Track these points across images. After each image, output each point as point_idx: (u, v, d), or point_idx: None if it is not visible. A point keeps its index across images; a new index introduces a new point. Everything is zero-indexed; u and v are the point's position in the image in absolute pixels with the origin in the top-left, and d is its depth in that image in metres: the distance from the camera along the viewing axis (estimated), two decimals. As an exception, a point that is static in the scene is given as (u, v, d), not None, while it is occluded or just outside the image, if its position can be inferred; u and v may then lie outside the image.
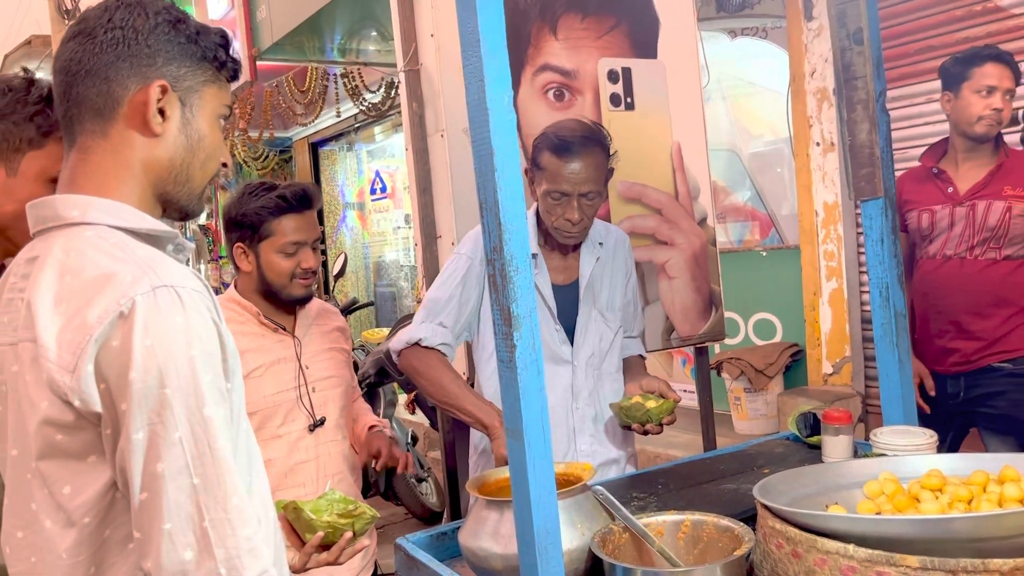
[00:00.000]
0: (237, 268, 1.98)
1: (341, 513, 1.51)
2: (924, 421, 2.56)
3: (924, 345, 2.66)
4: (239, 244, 1.94)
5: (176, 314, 0.91)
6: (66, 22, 9.86)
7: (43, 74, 1.36)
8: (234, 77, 1.12)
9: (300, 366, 1.98)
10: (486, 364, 2.03)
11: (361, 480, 2.11)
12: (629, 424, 1.90)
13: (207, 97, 1.07)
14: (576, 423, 2.02)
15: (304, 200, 1.92)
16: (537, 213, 1.99)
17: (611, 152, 1.92)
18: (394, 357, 2.00)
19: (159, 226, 1.03)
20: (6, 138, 1.29)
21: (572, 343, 2.01)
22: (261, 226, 1.90)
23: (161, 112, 1.02)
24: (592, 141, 1.87)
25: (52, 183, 1.31)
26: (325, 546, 1.51)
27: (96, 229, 0.98)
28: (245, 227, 1.92)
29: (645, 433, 1.90)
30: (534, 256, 1.96)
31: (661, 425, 1.88)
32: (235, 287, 2.02)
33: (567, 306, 2.01)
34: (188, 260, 1.10)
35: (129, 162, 1.02)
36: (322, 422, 1.98)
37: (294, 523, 1.50)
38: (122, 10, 1.02)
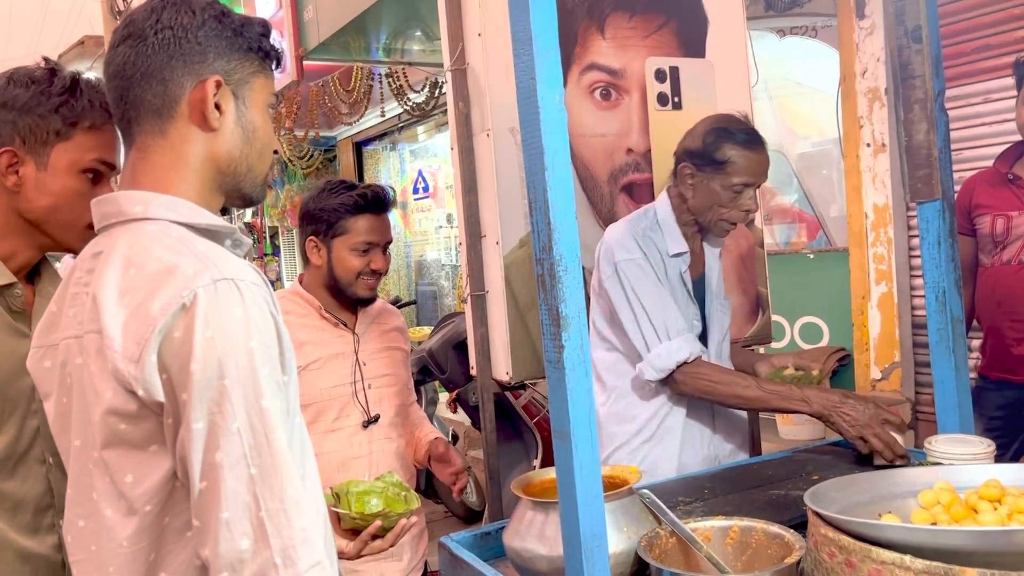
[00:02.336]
0: (306, 261, 2.02)
1: (390, 498, 1.57)
2: (996, 431, 2.50)
3: (999, 354, 2.59)
4: (312, 238, 1.98)
5: (236, 306, 0.93)
6: (119, 22, 10.08)
7: (95, 74, 1.36)
8: (278, 65, 1.14)
9: (358, 362, 2.00)
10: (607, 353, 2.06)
11: (415, 480, 2.13)
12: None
13: (257, 88, 1.09)
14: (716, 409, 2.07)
15: (381, 202, 1.97)
16: (673, 212, 2.02)
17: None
18: (669, 387, 1.96)
19: (217, 221, 1.05)
20: (33, 132, 1.29)
21: (706, 333, 2.07)
22: (337, 223, 1.94)
23: (217, 107, 1.04)
24: (759, 135, 1.97)
25: (83, 174, 1.32)
26: (378, 534, 1.56)
27: (158, 224, 1.01)
28: (321, 221, 1.96)
29: None
30: (682, 254, 2.00)
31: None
32: (300, 281, 2.06)
33: (698, 299, 2.06)
34: (246, 255, 1.12)
35: (188, 158, 1.05)
36: (376, 419, 2.00)
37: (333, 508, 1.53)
38: (168, 9, 1.04)
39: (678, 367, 1.88)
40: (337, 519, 1.55)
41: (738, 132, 1.93)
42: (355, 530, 1.57)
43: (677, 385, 1.91)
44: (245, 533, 0.90)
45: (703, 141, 1.95)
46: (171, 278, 0.93)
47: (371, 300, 2.04)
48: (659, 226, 2.01)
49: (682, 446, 2.01)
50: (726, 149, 1.92)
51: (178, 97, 1.04)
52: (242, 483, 0.90)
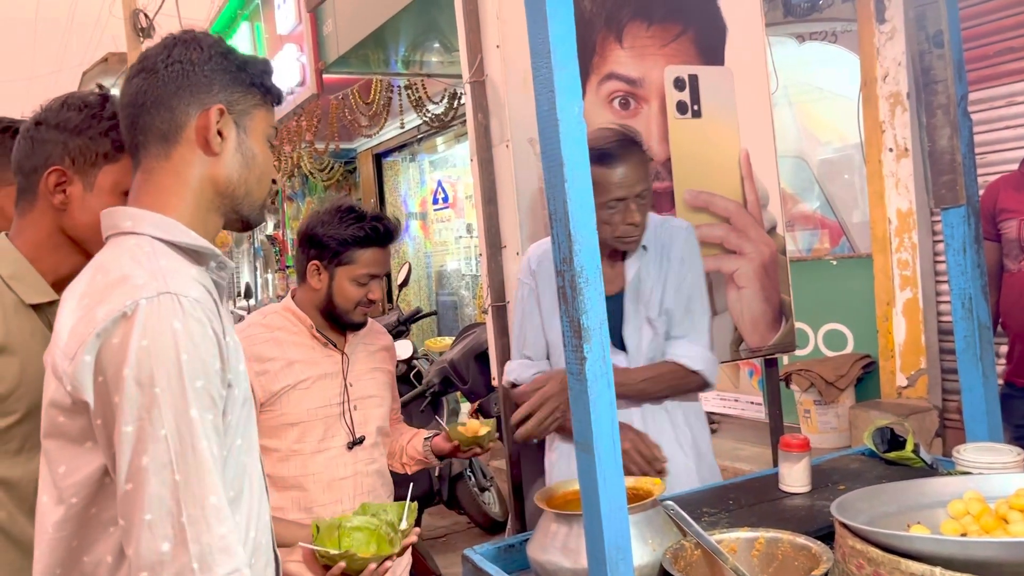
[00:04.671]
0: (303, 278, 2.00)
1: (380, 537, 1.58)
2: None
3: None
4: (315, 262, 1.95)
5: (174, 319, 0.98)
6: (141, 40, 10.22)
7: (118, 91, 1.40)
8: (278, 102, 1.23)
9: (345, 383, 2.00)
10: None
11: (393, 497, 2.11)
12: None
13: (257, 119, 1.18)
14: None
15: (389, 236, 1.97)
16: None
17: (644, 147, 1.94)
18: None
19: (201, 242, 1.12)
20: (83, 153, 1.34)
21: (626, 354, 1.99)
22: (344, 252, 1.93)
23: (220, 134, 1.13)
24: (627, 143, 1.89)
25: (125, 195, 1.36)
26: (349, 574, 1.53)
27: (140, 239, 1.08)
28: (327, 248, 1.93)
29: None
30: None
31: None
32: (292, 296, 2.03)
33: (614, 316, 1.97)
34: (231, 278, 1.16)
35: (188, 180, 1.13)
36: (361, 440, 2.00)
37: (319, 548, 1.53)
38: (180, 47, 1.14)
39: (511, 386, 2.05)
40: (312, 555, 1.55)
41: (598, 149, 1.81)
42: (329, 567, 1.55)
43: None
44: (166, 536, 0.95)
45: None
46: (121, 287, 1.00)
47: (363, 325, 2.04)
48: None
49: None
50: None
51: (184, 124, 1.12)
52: (166, 488, 0.95)
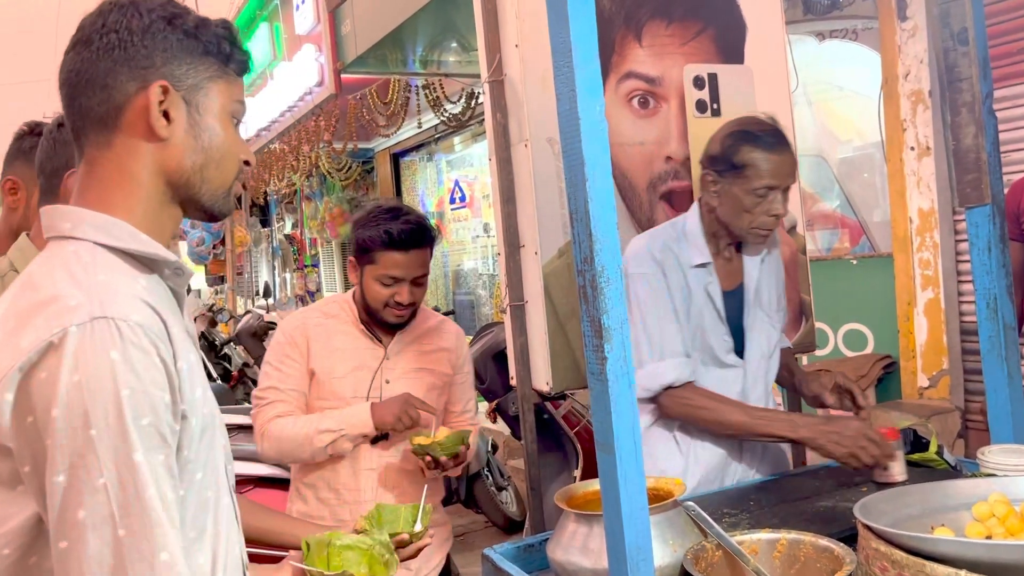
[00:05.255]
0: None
1: (373, 558, 1.48)
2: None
3: None
4: (352, 258, 2.03)
5: (111, 349, 0.83)
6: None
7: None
8: (243, 70, 1.05)
9: (379, 378, 2.02)
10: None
11: (440, 495, 2.13)
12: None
13: (214, 94, 1.01)
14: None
15: (409, 241, 1.94)
16: (702, 222, 1.96)
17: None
18: (660, 406, 1.91)
19: (152, 249, 0.97)
20: None
21: (743, 347, 1.98)
22: (370, 251, 1.97)
23: (166, 115, 0.97)
24: (783, 135, 1.88)
25: None
26: None
27: (80, 245, 0.93)
28: (358, 246, 1.99)
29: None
30: (706, 265, 1.93)
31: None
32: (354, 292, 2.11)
33: (733, 311, 1.97)
34: (188, 287, 1.06)
35: (135, 172, 0.97)
36: (385, 436, 2.00)
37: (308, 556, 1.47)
38: (115, 12, 0.97)
39: (664, 390, 1.86)
40: (303, 574, 1.52)
41: (757, 133, 1.85)
42: None
43: (662, 408, 1.89)
44: None
45: (721, 145, 1.88)
46: (49, 309, 0.86)
47: (400, 326, 2.05)
48: (684, 236, 1.95)
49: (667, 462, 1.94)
50: (745, 152, 1.84)
51: (122, 105, 0.96)
52: (107, 546, 0.81)
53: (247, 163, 1.06)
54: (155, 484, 0.83)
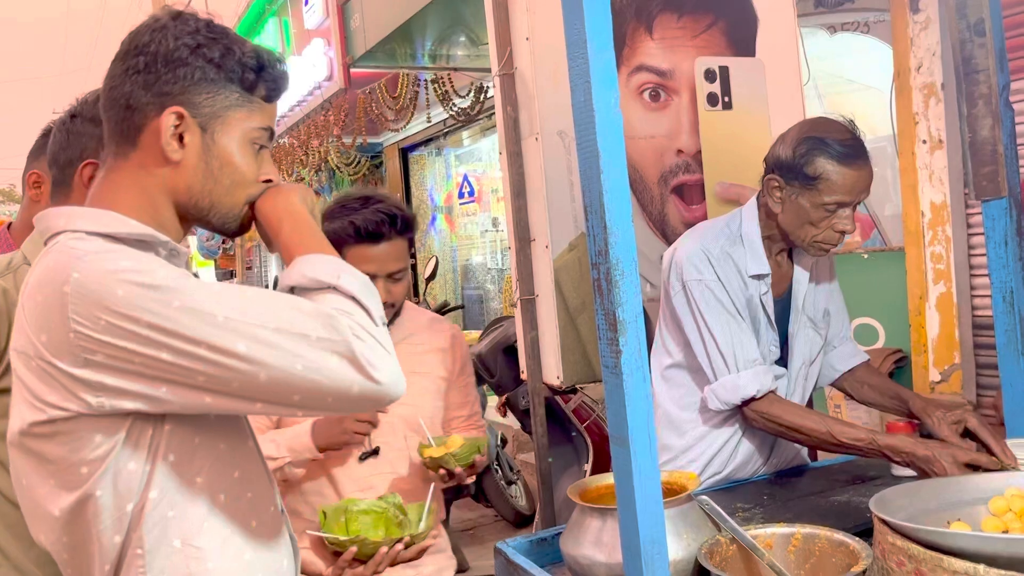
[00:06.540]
0: None
1: (388, 520, 1.53)
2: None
3: None
4: None
5: (121, 259, 0.92)
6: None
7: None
8: (271, 98, 1.08)
9: None
10: (660, 371, 1.93)
11: (441, 503, 1.91)
12: None
13: (233, 122, 1.04)
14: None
15: (378, 232, 1.71)
16: (759, 226, 1.83)
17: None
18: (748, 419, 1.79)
19: (142, 230, 1.00)
20: None
21: (786, 354, 1.90)
22: (338, 247, 1.66)
23: (180, 139, 1.01)
24: (862, 145, 1.72)
25: None
26: (361, 559, 1.49)
27: (74, 234, 0.98)
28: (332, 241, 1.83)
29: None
30: (763, 276, 1.81)
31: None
32: None
33: (779, 318, 1.88)
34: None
35: (145, 186, 1.02)
36: (375, 452, 1.78)
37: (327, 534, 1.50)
38: (150, 32, 1.02)
39: (744, 403, 1.75)
40: (321, 541, 1.51)
41: (835, 144, 1.67)
42: (340, 553, 1.50)
43: (747, 420, 1.79)
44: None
45: (794, 152, 1.70)
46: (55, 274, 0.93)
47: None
48: (741, 242, 1.81)
49: (727, 466, 1.88)
50: (819, 163, 1.67)
51: (141, 126, 1.01)
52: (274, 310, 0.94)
53: (268, 180, 1.09)
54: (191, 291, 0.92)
